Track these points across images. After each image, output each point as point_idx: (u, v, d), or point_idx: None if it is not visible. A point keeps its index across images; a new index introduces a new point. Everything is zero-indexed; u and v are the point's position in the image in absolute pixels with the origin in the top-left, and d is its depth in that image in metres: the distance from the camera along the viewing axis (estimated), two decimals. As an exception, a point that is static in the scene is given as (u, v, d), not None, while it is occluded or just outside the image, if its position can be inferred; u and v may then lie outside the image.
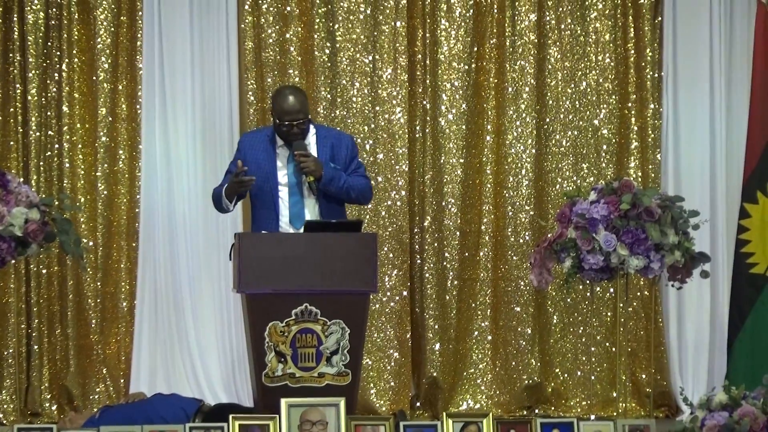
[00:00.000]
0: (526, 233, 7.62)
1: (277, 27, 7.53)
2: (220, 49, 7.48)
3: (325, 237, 5.91)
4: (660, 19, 7.70)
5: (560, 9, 7.66)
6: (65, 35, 7.41)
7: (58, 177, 7.42)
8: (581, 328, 7.62)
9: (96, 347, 7.40)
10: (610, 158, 7.69)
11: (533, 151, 7.65)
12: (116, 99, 7.47)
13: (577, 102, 7.68)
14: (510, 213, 7.64)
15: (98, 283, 7.43)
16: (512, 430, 5.73)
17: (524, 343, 7.60)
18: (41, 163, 7.42)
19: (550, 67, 7.67)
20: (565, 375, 7.60)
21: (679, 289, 6.50)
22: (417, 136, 7.65)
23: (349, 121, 7.54)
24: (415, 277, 7.62)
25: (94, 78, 7.45)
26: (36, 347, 7.36)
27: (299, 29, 7.55)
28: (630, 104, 7.69)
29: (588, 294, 7.49)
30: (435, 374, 7.56)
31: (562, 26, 7.67)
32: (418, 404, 7.58)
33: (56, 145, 7.42)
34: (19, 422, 6.97)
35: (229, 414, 5.67)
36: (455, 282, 7.61)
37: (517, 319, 7.61)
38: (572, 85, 7.68)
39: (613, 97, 7.69)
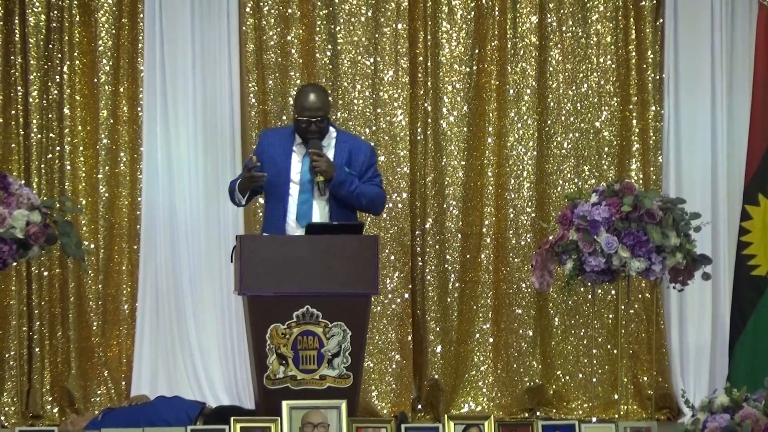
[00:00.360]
0: (528, 235, 7.62)
1: (279, 29, 7.53)
2: (222, 52, 7.48)
3: (326, 239, 5.91)
4: (661, 21, 7.71)
5: (561, 11, 7.66)
6: (66, 37, 7.41)
7: (60, 179, 7.42)
8: (583, 331, 7.62)
9: (97, 349, 7.40)
10: (611, 160, 7.69)
11: (534, 153, 7.65)
12: (117, 101, 7.47)
13: (578, 104, 7.69)
14: (511, 215, 7.64)
15: (99, 286, 7.43)
16: (514, 432, 5.74)
17: (525, 345, 7.60)
18: (42, 166, 7.42)
19: (551, 69, 7.67)
20: (567, 377, 7.60)
21: (680, 291, 6.50)
22: (418, 138, 7.66)
23: (350, 123, 7.54)
24: (416, 280, 7.62)
25: (96, 80, 7.45)
26: (37, 349, 7.36)
27: (300, 31, 7.55)
28: (631, 106, 7.69)
29: (589, 296, 7.49)
30: (436, 376, 7.56)
31: (564, 28, 7.67)
32: (419, 406, 7.58)
33: (57, 148, 7.43)
34: (21, 425, 6.96)
35: (231, 416, 5.68)
36: (456, 284, 7.61)
37: (519, 321, 7.61)
38: (573, 87, 7.68)
39: (615, 99, 7.69)
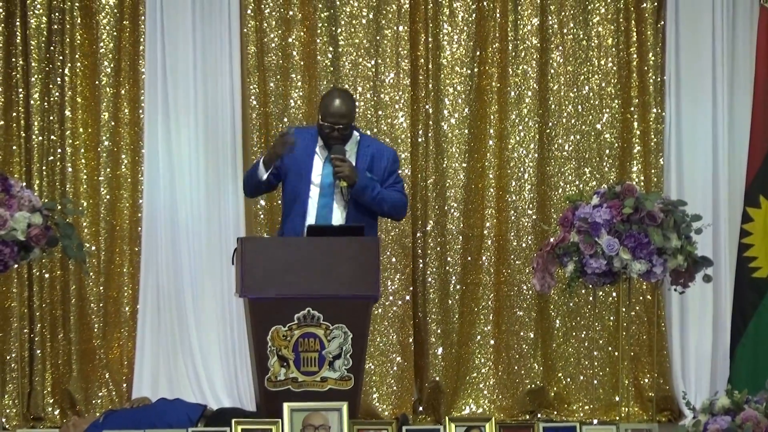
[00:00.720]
0: (529, 237, 7.62)
1: (280, 31, 7.53)
2: (223, 54, 7.47)
3: (327, 241, 5.91)
4: (662, 23, 7.70)
5: (563, 13, 7.66)
6: (68, 39, 7.42)
7: (61, 181, 7.42)
8: (584, 333, 7.61)
9: (99, 351, 7.40)
10: (612, 162, 7.69)
11: (536, 155, 7.65)
12: (119, 103, 7.48)
13: (579, 106, 7.68)
14: (512, 217, 7.64)
15: (101, 288, 7.42)
16: (515, 434, 5.75)
17: (527, 347, 7.60)
18: (44, 168, 7.42)
19: (552, 71, 7.67)
20: (568, 379, 7.60)
21: (681, 293, 6.50)
22: (419, 140, 7.66)
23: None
24: (417, 282, 7.62)
25: (97, 82, 7.45)
26: (38, 352, 7.36)
27: (302, 33, 7.55)
28: (632, 108, 7.69)
29: (590, 298, 7.49)
30: (437, 378, 7.56)
31: (565, 30, 7.67)
32: (420, 408, 7.57)
33: (59, 150, 7.43)
34: (22, 427, 6.96)
35: (232, 418, 5.68)
36: (458, 286, 7.61)
37: (520, 323, 7.61)
38: (575, 90, 7.68)
39: (616, 101, 7.69)
